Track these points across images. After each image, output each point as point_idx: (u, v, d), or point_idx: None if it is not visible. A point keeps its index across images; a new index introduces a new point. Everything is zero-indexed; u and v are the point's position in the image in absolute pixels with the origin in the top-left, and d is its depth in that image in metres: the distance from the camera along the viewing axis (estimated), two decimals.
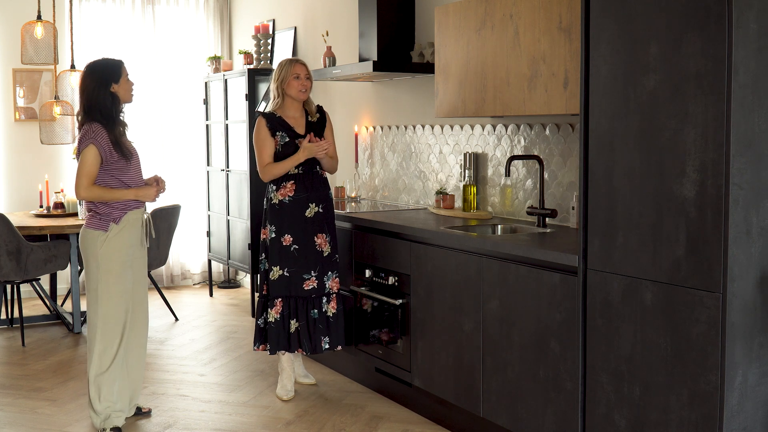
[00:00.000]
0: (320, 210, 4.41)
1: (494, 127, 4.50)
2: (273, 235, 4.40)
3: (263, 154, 4.38)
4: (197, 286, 7.94)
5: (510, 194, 4.40)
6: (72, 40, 6.14)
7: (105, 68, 3.96)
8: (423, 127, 5.13)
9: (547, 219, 4.02)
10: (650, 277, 2.81)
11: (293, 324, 4.43)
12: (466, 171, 4.56)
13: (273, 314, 4.43)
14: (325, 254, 4.43)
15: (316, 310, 4.43)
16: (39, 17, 5.78)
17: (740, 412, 2.64)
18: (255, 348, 4.54)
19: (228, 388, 4.72)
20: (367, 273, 4.49)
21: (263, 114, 4.44)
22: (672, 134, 2.71)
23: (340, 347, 4.53)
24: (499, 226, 4.13)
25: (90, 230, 3.94)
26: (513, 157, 4.02)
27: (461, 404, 3.81)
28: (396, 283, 4.25)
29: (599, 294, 3.02)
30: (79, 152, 3.90)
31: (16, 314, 6.32)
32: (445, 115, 4.38)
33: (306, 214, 4.38)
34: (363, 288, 4.53)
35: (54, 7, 6.02)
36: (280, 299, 4.42)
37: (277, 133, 4.38)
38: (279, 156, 4.38)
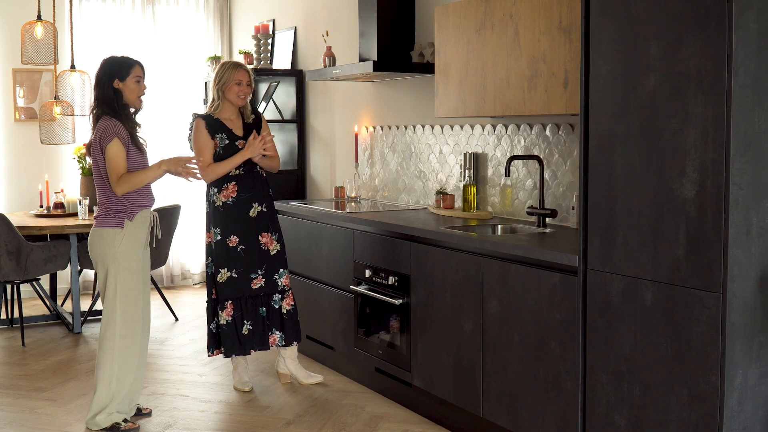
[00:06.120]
0: (263, 209, 4.51)
1: (494, 127, 4.50)
2: (218, 238, 4.46)
3: (205, 155, 4.42)
4: (197, 286, 7.93)
5: (510, 194, 4.40)
6: (72, 40, 6.13)
7: (115, 63, 4.01)
8: (423, 127, 5.13)
9: (547, 219, 4.02)
10: (650, 277, 2.81)
11: (246, 325, 4.48)
12: (466, 171, 4.56)
13: (224, 317, 4.47)
14: (273, 252, 4.52)
15: (264, 308, 4.52)
16: (39, 17, 5.78)
17: (740, 412, 2.64)
18: (209, 354, 4.56)
19: (228, 388, 4.72)
20: (367, 273, 4.49)
21: (201, 116, 4.51)
22: (672, 134, 2.71)
23: (296, 343, 4.64)
24: (499, 226, 4.13)
25: (104, 229, 3.90)
26: (513, 157, 4.02)
27: (461, 404, 3.81)
28: (396, 283, 4.25)
29: (599, 294, 3.02)
30: (102, 149, 3.87)
31: (16, 314, 6.32)
32: (445, 115, 4.38)
33: (250, 214, 4.47)
34: (363, 288, 4.53)
35: (54, 7, 6.01)
36: (230, 301, 4.48)
37: (217, 135, 4.46)
38: (220, 158, 4.44)
